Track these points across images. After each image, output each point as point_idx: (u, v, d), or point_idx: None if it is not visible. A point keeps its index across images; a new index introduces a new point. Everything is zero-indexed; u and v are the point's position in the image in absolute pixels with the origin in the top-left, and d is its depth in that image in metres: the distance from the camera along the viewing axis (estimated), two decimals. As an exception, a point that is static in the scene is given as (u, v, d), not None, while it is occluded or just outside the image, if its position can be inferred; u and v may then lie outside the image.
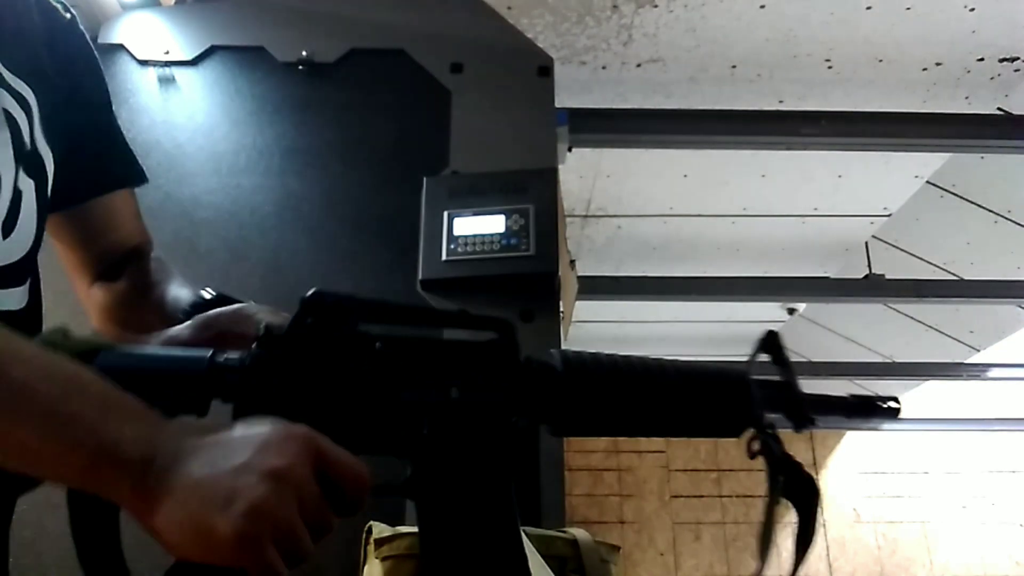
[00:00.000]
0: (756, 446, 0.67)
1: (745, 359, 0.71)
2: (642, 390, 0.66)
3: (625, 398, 0.65)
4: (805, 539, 0.66)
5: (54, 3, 0.84)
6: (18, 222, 0.73)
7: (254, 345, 0.61)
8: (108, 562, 0.57)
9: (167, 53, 1.76)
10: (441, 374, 0.62)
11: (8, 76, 0.72)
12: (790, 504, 0.66)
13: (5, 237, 0.71)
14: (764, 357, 0.70)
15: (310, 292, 0.63)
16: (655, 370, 0.67)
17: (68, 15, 0.86)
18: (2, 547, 0.72)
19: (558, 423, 0.66)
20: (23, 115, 0.74)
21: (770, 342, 0.70)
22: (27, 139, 0.74)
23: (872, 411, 0.71)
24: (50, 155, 0.78)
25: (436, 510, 0.60)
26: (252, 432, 0.51)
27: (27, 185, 0.74)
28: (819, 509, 0.66)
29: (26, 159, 0.74)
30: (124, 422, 0.49)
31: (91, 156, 0.87)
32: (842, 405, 0.71)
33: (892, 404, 0.71)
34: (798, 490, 0.65)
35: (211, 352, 0.62)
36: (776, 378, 0.70)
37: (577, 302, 3.21)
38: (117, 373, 0.58)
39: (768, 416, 0.69)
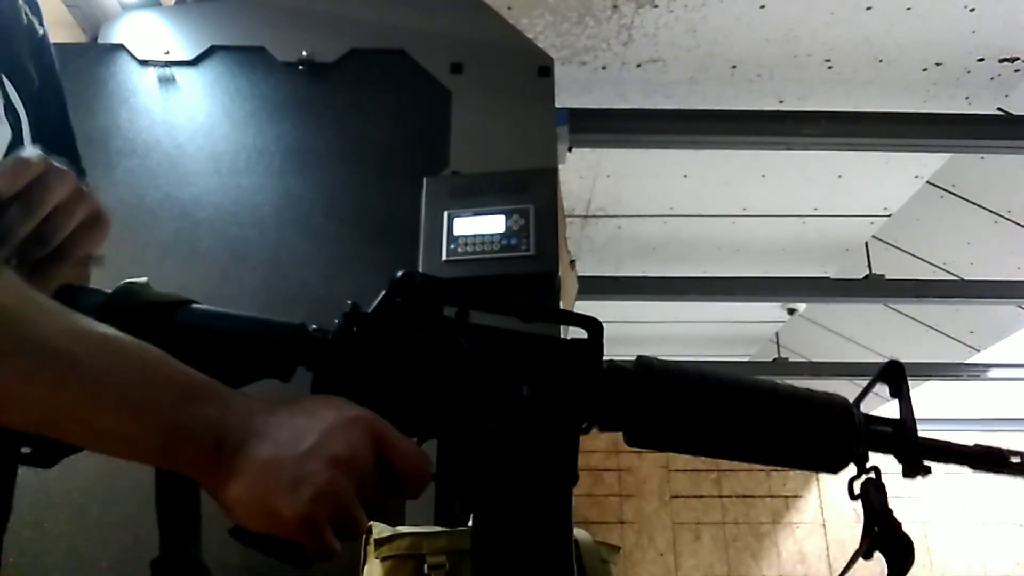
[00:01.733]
0: (856, 489, 0.63)
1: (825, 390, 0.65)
2: (731, 409, 0.61)
3: (710, 416, 0.61)
4: None
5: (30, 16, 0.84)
6: None
7: (340, 318, 0.61)
8: (187, 529, 0.60)
9: (167, 53, 1.76)
10: (516, 369, 0.61)
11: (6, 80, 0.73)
12: (882, 557, 0.61)
13: None
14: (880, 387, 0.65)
15: (401, 273, 0.63)
16: (747, 389, 0.62)
17: (41, 30, 0.86)
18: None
19: (635, 434, 0.62)
20: (21, 117, 0.74)
21: (892, 372, 0.65)
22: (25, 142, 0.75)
23: (1000, 465, 0.63)
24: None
25: (491, 507, 0.59)
26: (319, 416, 0.52)
27: None
28: (909, 569, 0.61)
29: None
30: (195, 403, 0.50)
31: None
32: (964, 454, 0.64)
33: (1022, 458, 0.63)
34: (893, 547, 0.61)
35: (302, 322, 0.62)
36: (887, 417, 0.65)
37: (577, 302, 3.21)
38: (200, 331, 0.61)
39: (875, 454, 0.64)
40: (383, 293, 0.64)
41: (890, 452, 0.63)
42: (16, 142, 0.73)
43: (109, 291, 0.61)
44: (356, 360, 0.60)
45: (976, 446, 0.64)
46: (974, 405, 4.89)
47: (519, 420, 0.59)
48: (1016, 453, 0.63)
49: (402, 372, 0.60)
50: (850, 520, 5.20)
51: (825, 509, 5.35)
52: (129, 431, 0.49)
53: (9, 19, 0.78)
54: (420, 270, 1.54)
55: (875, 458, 0.64)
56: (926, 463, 0.63)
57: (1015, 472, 0.64)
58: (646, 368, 0.62)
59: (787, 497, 5.36)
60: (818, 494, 5.40)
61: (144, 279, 0.62)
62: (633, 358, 0.64)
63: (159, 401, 0.49)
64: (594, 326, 0.63)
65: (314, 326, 0.62)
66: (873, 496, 0.62)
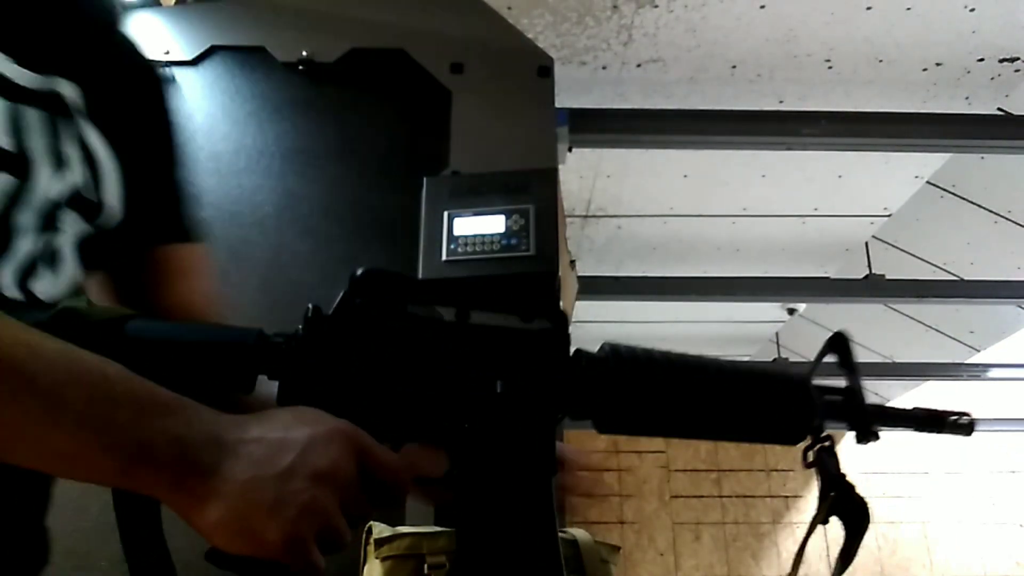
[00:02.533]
0: (811, 457, 0.65)
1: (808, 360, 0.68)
2: (696, 389, 0.63)
3: (677, 397, 0.63)
4: (847, 559, 0.63)
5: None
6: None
7: (302, 324, 0.60)
8: (152, 552, 0.58)
9: (167, 53, 1.76)
10: (486, 365, 0.60)
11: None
12: (840, 522, 0.64)
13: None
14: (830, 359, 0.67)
15: (360, 270, 0.61)
16: (711, 369, 0.64)
17: (163, 71, 0.84)
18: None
19: (605, 420, 0.63)
20: (100, 163, 0.73)
21: (838, 343, 0.67)
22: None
23: (942, 426, 0.67)
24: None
25: (474, 505, 0.58)
26: (296, 430, 0.50)
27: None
28: (866, 531, 0.64)
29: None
30: (157, 419, 0.47)
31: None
32: (910, 418, 0.68)
33: (964, 419, 0.67)
34: (849, 510, 0.63)
35: (260, 328, 0.61)
36: (838, 385, 0.67)
37: (577, 302, 3.21)
38: (154, 344, 0.58)
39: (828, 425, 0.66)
40: (342, 294, 0.62)
41: (842, 420, 0.66)
42: (91, 187, 0.70)
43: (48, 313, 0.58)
44: (319, 366, 0.58)
45: (917, 409, 0.68)
46: (974, 405, 4.88)
47: (494, 417, 0.59)
48: (954, 414, 0.67)
49: (368, 375, 0.59)
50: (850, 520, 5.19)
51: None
52: (87, 450, 0.45)
53: (118, 55, 0.74)
54: (420, 270, 1.54)
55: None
56: (875, 429, 0.66)
57: (954, 431, 0.68)
58: (613, 353, 0.63)
59: (787, 497, 5.36)
60: (818, 494, 5.40)
61: (83, 298, 0.60)
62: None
63: (118, 417, 0.46)
64: (558, 318, 0.63)
65: (275, 332, 0.60)
66: (827, 463, 0.64)
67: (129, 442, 0.46)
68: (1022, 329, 3.97)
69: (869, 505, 0.63)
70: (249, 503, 0.47)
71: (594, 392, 0.62)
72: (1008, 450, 5.27)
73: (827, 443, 0.65)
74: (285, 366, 0.59)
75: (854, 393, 0.66)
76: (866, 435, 0.66)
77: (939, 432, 0.68)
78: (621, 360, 0.62)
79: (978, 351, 4.30)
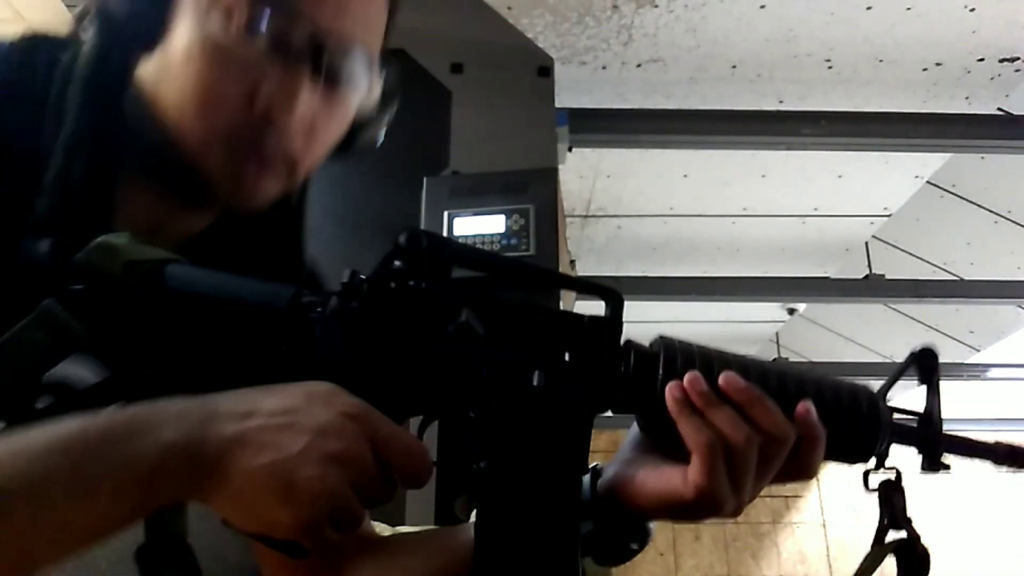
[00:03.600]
0: (873, 483, 0.61)
1: (884, 379, 0.63)
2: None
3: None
4: None
5: None
6: None
7: (338, 292, 0.57)
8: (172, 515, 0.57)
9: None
10: (529, 351, 0.57)
11: None
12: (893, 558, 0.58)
13: None
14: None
15: (406, 233, 0.58)
16: (772, 373, 0.59)
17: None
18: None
19: (651, 419, 0.59)
20: None
21: (923, 359, 0.62)
22: None
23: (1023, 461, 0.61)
24: None
25: (497, 499, 0.55)
26: (308, 412, 0.49)
27: None
28: None
29: None
30: (137, 441, 0.45)
31: None
32: (988, 451, 0.62)
33: None
34: (907, 558, 0.58)
35: (296, 288, 0.57)
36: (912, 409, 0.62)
37: (577, 302, 3.21)
38: (188, 296, 0.56)
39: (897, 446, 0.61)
40: (383, 257, 0.59)
41: (912, 445, 0.61)
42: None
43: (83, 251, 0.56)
44: (349, 338, 0.55)
45: (998, 443, 0.62)
46: (974, 405, 4.89)
47: (529, 409, 0.55)
48: None
49: (403, 350, 0.56)
50: (850, 520, 5.20)
51: (825, 509, 5.35)
52: (98, 512, 0.44)
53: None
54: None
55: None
56: (946, 459, 0.61)
57: None
58: (667, 349, 0.59)
59: (787, 497, 5.36)
60: (818, 494, 5.40)
61: (125, 233, 0.58)
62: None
63: (103, 463, 0.44)
64: (614, 298, 0.59)
65: (310, 297, 0.57)
66: (893, 498, 0.60)
67: (127, 477, 0.45)
68: (1022, 329, 3.97)
69: (930, 558, 0.58)
70: (261, 490, 0.46)
71: (642, 388, 0.58)
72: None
73: (895, 475, 0.60)
74: (313, 338, 0.55)
75: (930, 417, 0.61)
76: (935, 465, 0.61)
77: (1021, 468, 0.62)
78: (673, 356, 0.58)
79: (978, 351, 4.31)
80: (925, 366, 0.62)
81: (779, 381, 0.58)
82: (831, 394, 0.59)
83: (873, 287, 3.57)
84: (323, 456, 0.47)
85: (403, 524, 1.16)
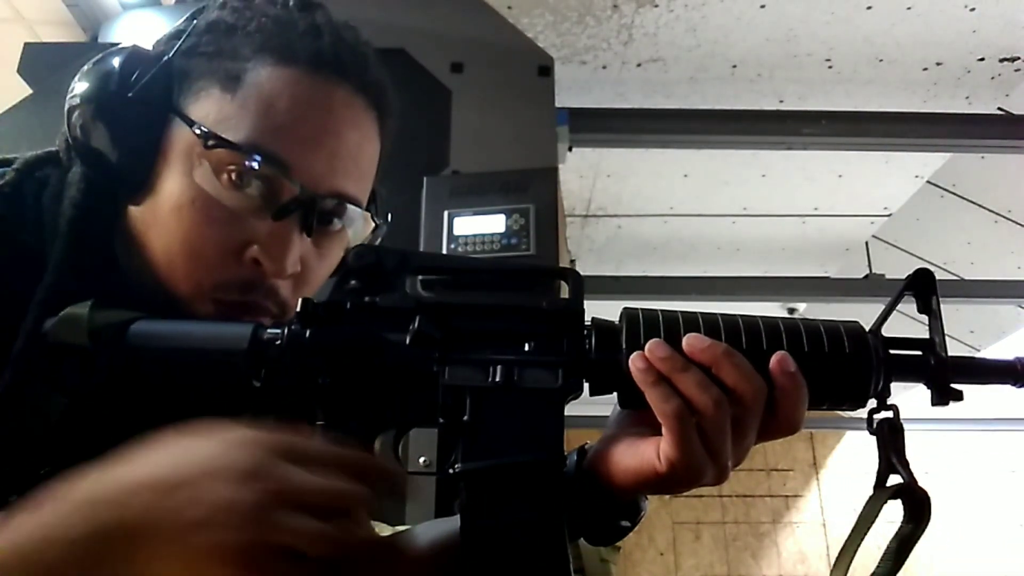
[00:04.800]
0: (875, 424, 0.56)
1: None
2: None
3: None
4: (900, 559, 0.54)
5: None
6: None
7: (292, 321, 0.57)
8: None
9: (167, 52, 1.76)
10: (486, 349, 0.56)
11: None
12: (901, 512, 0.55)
13: None
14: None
15: (353, 249, 0.59)
16: (750, 327, 0.57)
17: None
18: None
19: (627, 393, 0.57)
20: None
21: (920, 282, 0.58)
22: None
23: None
24: None
25: (476, 500, 0.54)
26: (187, 459, 0.46)
27: None
28: (925, 530, 0.53)
29: None
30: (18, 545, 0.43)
31: None
32: (1004, 371, 0.57)
33: None
34: (910, 501, 0.55)
35: (255, 325, 0.58)
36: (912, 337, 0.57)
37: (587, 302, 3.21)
38: (153, 350, 0.57)
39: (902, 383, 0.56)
40: (336, 279, 0.60)
41: (916, 378, 0.57)
42: None
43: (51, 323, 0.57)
44: (311, 362, 0.56)
45: (1017, 358, 0.57)
46: (973, 405, 4.88)
47: (495, 406, 0.55)
48: None
49: (359, 369, 0.56)
50: (851, 520, 5.20)
51: (825, 508, 5.35)
52: None
53: None
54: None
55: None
56: (958, 387, 0.56)
57: None
58: (629, 320, 0.57)
59: (787, 497, 5.36)
60: (818, 493, 5.40)
61: (87, 302, 0.58)
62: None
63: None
64: (573, 277, 0.59)
65: (268, 330, 0.58)
66: (888, 439, 0.55)
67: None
68: (1022, 328, 3.97)
69: (930, 500, 0.54)
70: (167, 557, 0.44)
71: (608, 364, 0.56)
72: (1008, 450, 5.27)
73: (891, 413, 0.56)
74: (276, 369, 0.56)
75: (932, 344, 0.57)
76: (945, 394, 0.56)
77: None
78: (636, 327, 0.56)
79: (978, 350, 4.30)
80: (923, 291, 0.58)
81: (752, 335, 0.56)
82: (811, 340, 0.56)
83: (873, 287, 3.57)
84: (212, 502, 0.44)
85: (403, 524, 1.16)
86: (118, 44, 0.70)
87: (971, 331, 4.16)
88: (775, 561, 5.24)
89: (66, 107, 0.64)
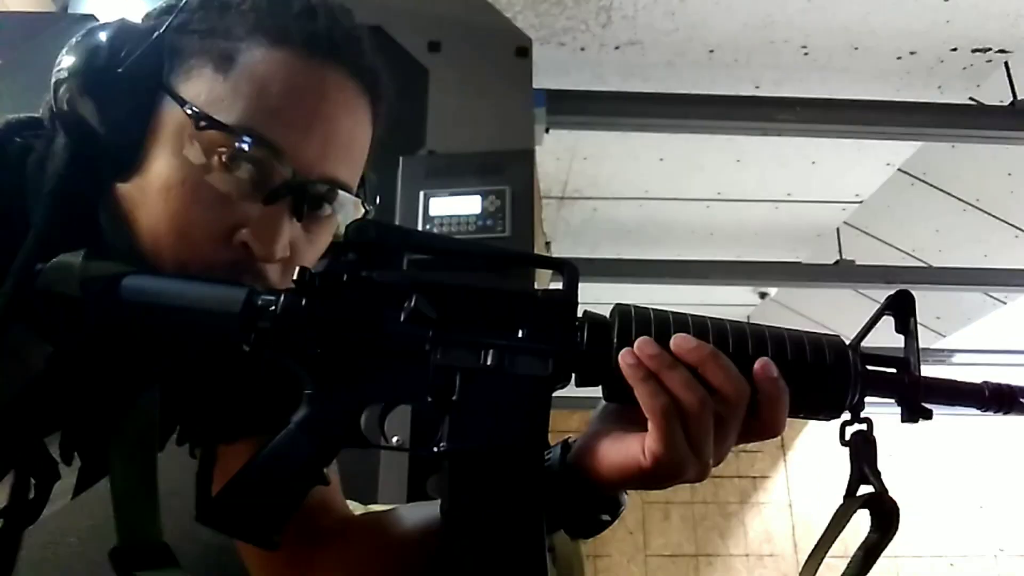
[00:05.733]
0: (848, 436, 0.58)
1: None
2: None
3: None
4: (867, 564, 0.56)
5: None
6: None
7: (289, 289, 0.58)
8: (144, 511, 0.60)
9: (139, 24, 1.72)
10: (479, 332, 0.57)
11: None
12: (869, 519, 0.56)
13: None
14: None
15: (354, 222, 0.59)
16: (735, 334, 0.58)
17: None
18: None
19: (613, 387, 0.58)
20: None
21: (899, 304, 0.59)
22: None
23: (1012, 405, 0.58)
24: None
25: (460, 476, 0.55)
26: None
27: None
28: (892, 539, 0.55)
29: None
30: None
31: None
32: (973, 394, 0.58)
33: None
34: (879, 511, 0.56)
35: (249, 290, 0.58)
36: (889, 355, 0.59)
37: (551, 284, 3.22)
38: (144, 305, 0.57)
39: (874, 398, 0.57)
40: (334, 250, 0.61)
41: (889, 395, 0.58)
42: None
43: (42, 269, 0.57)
44: (305, 332, 0.56)
45: (984, 383, 0.58)
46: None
47: (484, 389, 0.56)
48: None
49: (353, 341, 0.57)
50: (816, 500, 5.30)
51: (792, 490, 5.44)
52: None
53: None
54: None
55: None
56: (928, 406, 0.58)
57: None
58: (622, 316, 0.58)
59: (755, 478, 5.45)
60: (785, 475, 5.50)
61: (80, 251, 0.58)
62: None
63: None
64: (569, 270, 0.60)
65: (263, 296, 0.58)
66: (862, 450, 0.57)
67: None
68: (987, 315, 4.05)
69: (899, 511, 0.56)
70: None
71: (598, 358, 0.57)
72: (968, 434, 5.39)
73: (864, 426, 0.58)
74: (268, 338, 0.56)
75: (907, 363, 0.58)
76: (915, 412, 0.58)
77: (1007, 412, 0.59)
78: (628, 323, 0.57)
79: (944, 336, 4.39)
80: (901, 312, 0.60)
81: (738, 340, 0.57)
82: (794, 349, 0.58)
83: (843, 272, 3.62)
84: None
85: (375, 503, 1.17)
86: (88, 15, 0.68)
87: (937, 317, 4.23)
88: (742, 540, 5.33)
89: (52, 80, 0.62)
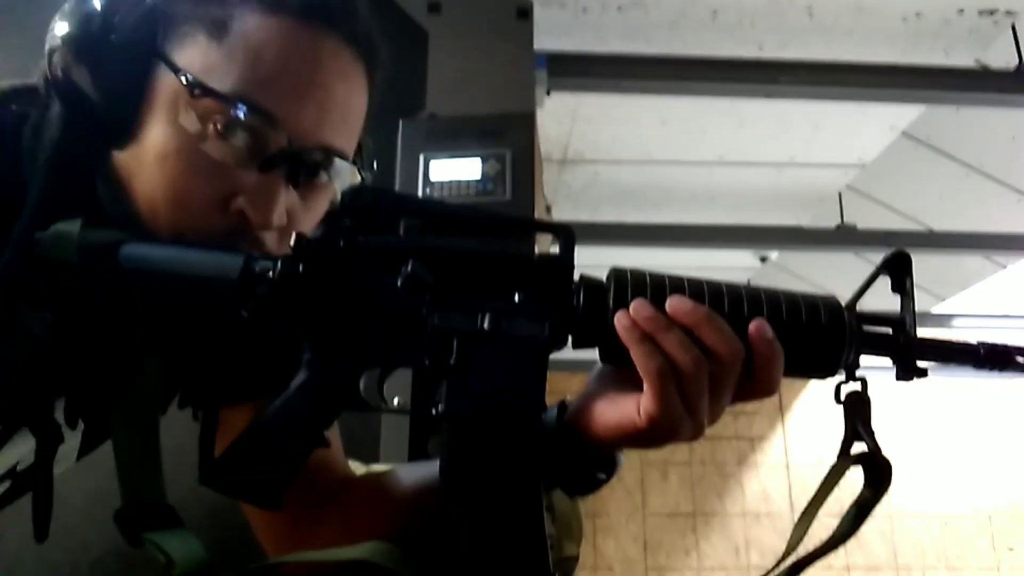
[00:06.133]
0: (843, 395, 0.59)
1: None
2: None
3: None
4: (860, 519, 0.57)
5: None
6: None
7: (288, 253, 0.58)
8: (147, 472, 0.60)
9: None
10: (475, 296, 0.57)
11: None
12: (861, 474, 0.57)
13: None
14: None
15: (350, 188, 0.60)
16: (732, 294, 0.58)
17: None
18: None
19: (610, 349, 0.58)
20: None
21: (896, 264, 0.60)
22: None
23: (1007, 364, 0.59)
24: None
25: (458, 438, 0.56)
26: None
27: None
28: (884, 494, 0.56)
29: None
30: None
31: None
32: (968, 353, 0.59)
33: None
34: (871, 468, 0.57)
35: (246, 256, 0.58)
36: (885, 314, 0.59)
37: (552, 247, 3.22)
38: (143, 273, 0.58)
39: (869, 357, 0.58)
40: (330, 216, 0.61)
41: (884, 353, 0.59)
42: None
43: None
44: (303, 298, 0.57)
45: (980, 343, 0.59)
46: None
47: (481, 352, 0.56)
48: (1022, 351, 0.59)
49: (351, 306, 0.57)
50: (813, 461, 5.36)
51: (789, 451, 5.50)
52: None
53: None
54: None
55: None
56: (923, 365, 0.59)
57: (1020, 371, 0.59)
58: (618, 279, 0.59)
59: (753, 439, 5.50)
60: (783, 436, 5.55)
61: (77, 219, 0.58)
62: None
63: None
64: (565, 233, 0.60)
65: (260, 262, 0.58)
66: (857, 409, 0.58)
67: None
68: (987, 279, 4.05)
69: (892, 469, 0.56)
70: None
71: (595, 320, 0.58)
72: (964, 396, 5.43)
73: (859, 385, 0.58)
74: (265, 304, 0.57)
75: (902, 322, 0.59)
76: (909, 371, 0.58)
77: (1002, 371, 0.59)
78: (623, 286, 0.58)
79: (943, 300, 4.40)
80: (897, 272, 0.60)
81: (733, 302, 0.58)
82: (790, 310, 0.58)
83: (844, 236, 3.61)
84: None
85: (377, 462, 1.19)
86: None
87: (937, 281, 4.24)
88: (739, 500, 5.40)
89: (46, 47, 0.62)
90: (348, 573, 0.59)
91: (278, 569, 0.56)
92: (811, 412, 5.49)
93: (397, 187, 1.54)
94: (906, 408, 5.22)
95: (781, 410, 5.58)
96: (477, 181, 1.53)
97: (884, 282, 0.63)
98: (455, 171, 1.54)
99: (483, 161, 1.54)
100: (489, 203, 1.51)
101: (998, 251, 3.48)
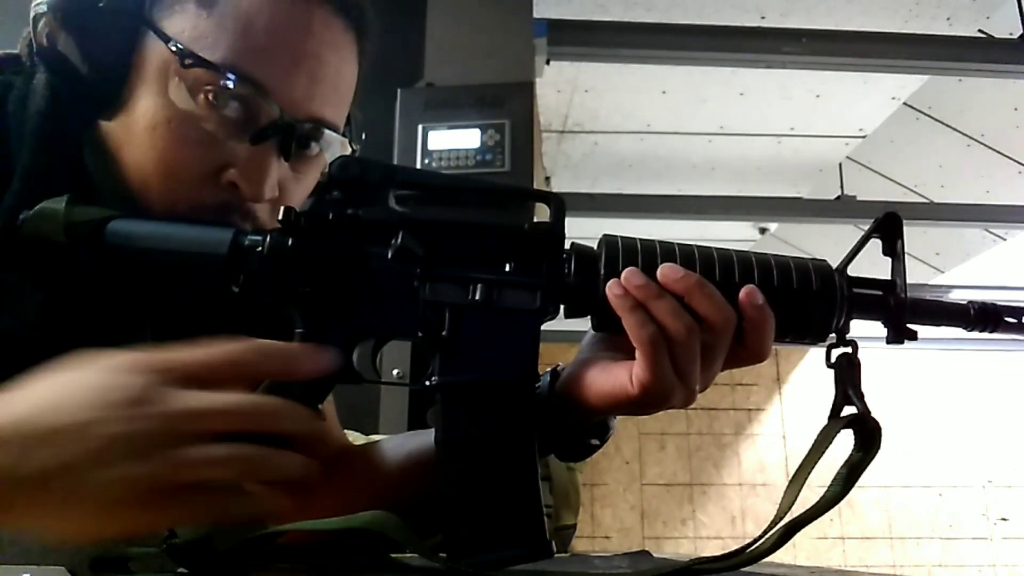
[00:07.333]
0: (833, 358, 0.58)
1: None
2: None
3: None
4: (850, 481, 0.56)
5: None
6: None
7: (274, 229, 0.58)
8: None
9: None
10: (466, 267, 0.57)
11: None
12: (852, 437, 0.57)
13: None
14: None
15: (337, 160, 0.59)
16: (722, 259, 0.58)
17: None
18: None
19: (603, 317, 0.58)
20: None
21: (887, 226, 0.59)
22: None
23: (997, 324, 0.59)
24: None
25: (452, 409, 0.56)
26: (68, 398, 0.43)
27: None
28: (874, 457, 0.56)
29: None
30: None
31: None
32: (958, 314, 0.60)
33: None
34: (861, 430, 0.57)
35: (235, 231, 0.58)
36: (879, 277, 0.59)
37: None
38: (131, 249, 0.57)
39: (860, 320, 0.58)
40: (319, 188, 0.61)
41: (875, 316, 0.60)
42: None
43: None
44: (293, 272, 0.57)
45: (970, 302, 0.60)
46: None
47: (474, 323, 0.56)
48: (1012, 310, 0.59)
49: (341, 279, 0.57)
50: (809, 432, 5.40)
51: (786, 422, 5.54)
52: None
53: None
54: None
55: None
56: (913, 327, 0.59)
57: (1010, 330, 0.60)
58: (608, 247, 0.59)
59: (750, 410, 5.54)
60: (780, 407, 5.58)
61: (64, 197, 0.57)
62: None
63: None
64: (555, 202, 0.60)
65: (249, 236, 0.58)
66: (846, 373, 0.58)
67: None
68: (987, 251, 4.05)
69: (881, 431, 0.56)
70: (70, 506, 0.41)
71: (586, 288, 0.58)
72: (959, 367, 5.46)
73: (850, 349, 0.58)
74: (255, 278, 0.57)
75: (893, 285, 0.60)
76: (900, 333, 0.59)
77: (992, 331, 0.59)
78: (614, 254, 0.58)
79: (942, 272, 4.40)
80: (888, 234, 0.60)
81: (725, 268, 0.58)
82: (781, 275, 0.58)
83: (844, 208, 3.60)
84: (104, 444, 0.41)
85: (377, 433, 1.20)
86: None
87: (936, 253, 4.24)
88: (736, 470, 5.45)
89: (31, 14, 0.61)
90: (347, 541, 0.60)
91: (277, 537, 0.56)
92: (808, 384, 5.52)
93: (395, 157, 1.53)
94: (901, 380, 5.25)
95: (778, 382, 5.60)
96: (476, 151, 1.52)
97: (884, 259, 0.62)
98: (454, 141, 1.53)
99: (482, 131, 1.53)
100: (488, 173, 1.50)
101: (997, 223, 3.48)
